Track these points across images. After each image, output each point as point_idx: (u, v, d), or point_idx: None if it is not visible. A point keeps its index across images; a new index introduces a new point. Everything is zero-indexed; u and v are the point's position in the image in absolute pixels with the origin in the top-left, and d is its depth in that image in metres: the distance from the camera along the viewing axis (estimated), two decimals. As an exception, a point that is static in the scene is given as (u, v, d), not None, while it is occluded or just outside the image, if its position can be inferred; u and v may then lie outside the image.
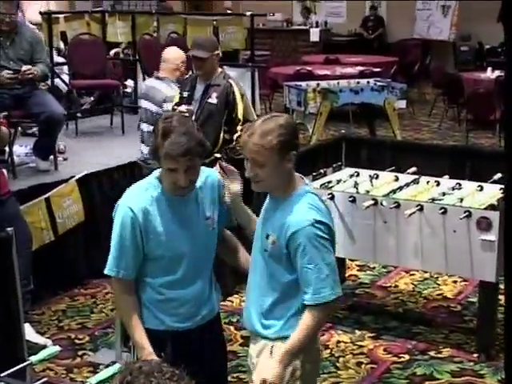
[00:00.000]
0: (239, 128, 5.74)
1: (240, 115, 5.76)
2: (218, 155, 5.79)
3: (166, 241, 3.19)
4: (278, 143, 2.97)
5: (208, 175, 3.34)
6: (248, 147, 3.01)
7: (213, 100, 5.76)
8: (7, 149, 6.43)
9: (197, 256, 3.25)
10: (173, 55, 6.33)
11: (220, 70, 5.88)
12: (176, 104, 5.95)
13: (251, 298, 3.21)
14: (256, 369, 3.12)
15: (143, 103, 6.33)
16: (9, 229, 4.30)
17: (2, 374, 3.13)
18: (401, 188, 5.50)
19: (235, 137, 5.73)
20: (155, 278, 3.24)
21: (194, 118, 5.77)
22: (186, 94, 5.89)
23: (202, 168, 3.27)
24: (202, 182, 3.28)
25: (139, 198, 3.18)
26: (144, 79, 9.37)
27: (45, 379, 4.10)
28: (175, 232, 3.20)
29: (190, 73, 6.54)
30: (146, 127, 6.15)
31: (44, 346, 3.94)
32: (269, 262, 3.09)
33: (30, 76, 6.48)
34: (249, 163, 3.04)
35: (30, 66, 6.49)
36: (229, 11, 14.29)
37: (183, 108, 5.77)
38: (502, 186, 5.05)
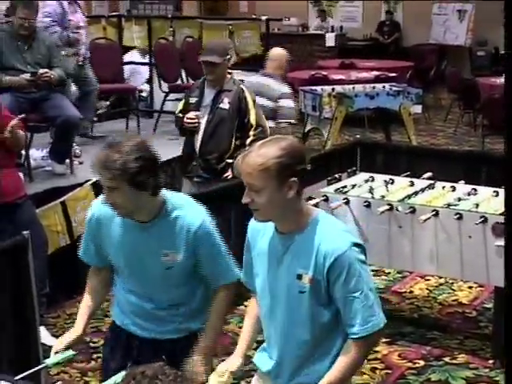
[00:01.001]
0: (252, 133, 5.75)
1: (253, 120, 5.76)
2: (230, 161, 5.80)
3: (112, 254, 3.27)
4: (274, 166, 2.67)
5: (184, 216, 3.15)
6: (241, 169, 2.73)
7: (225, 105, 5.76)
8: (23, 152, 6.46)
9: (147, 283, 3.26)
10: (278, 54, 6.82)
11: (229, 75, 5.89)
12: (182, 111, 5.95)
13: (281, 355, 2.92)
14: None
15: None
16: (25, 232, 4.32)
17: (17, 377, 3.15)
18: (416, 193, 5.49)
19: (248, 142, 5.73)
20: (117, 275, 3.38)
21: (204, 123, 5.79)
22: (193, 100, 5.88)
23: (186, 207, 3.18)
24: (168, 217, 3.15)
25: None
26: (160, 83, 9.40)
27: (59, 382, 4.13)
28: (117, 249, 3.24)
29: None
30: None
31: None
32: (308, 304, 2.79)
33: (47, 79, 6.52)
34: (246, 188, 2.77)
35: (46, 70, 6.53)
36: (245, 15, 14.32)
37: (191, 114, 5.78)
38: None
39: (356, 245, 2.76)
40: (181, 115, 5.93)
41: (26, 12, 6.49)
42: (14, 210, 5.21)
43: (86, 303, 3.41)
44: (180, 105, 6.05)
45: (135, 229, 3.17)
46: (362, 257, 2.77)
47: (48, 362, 3.27)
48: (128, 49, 10.58)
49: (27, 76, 6.47)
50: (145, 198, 3.07)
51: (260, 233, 2.92)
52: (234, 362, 3.05)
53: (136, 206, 3.08)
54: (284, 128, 6.75)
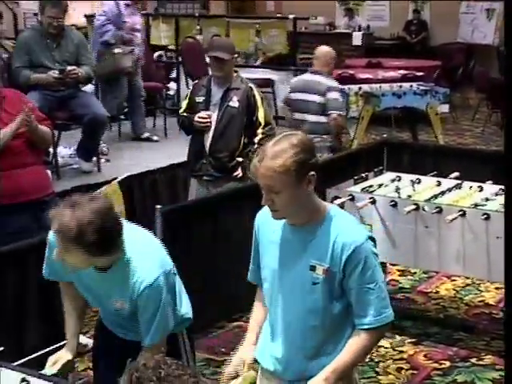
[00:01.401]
0: (260, 131, 5.77)
1: (261, 118, 5.78)
2: (240, 159, 5.82)
3: (79, 288, 3.33)
4: (293, 164, 2.65)
5: (140, 281, 3.07)
6: (260, 173, 2.68)
7: (234, 103, 5.78)
8: (51, 150, 6.51)
9: (106, 314, 3.37)
10: (325, 52, 7.28)
11: (235, 73, 5.90)
12: (186, 110, 5.92)
13: (289, 346, 2.89)
14: None
15: (301, 95, 7.21)
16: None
17: (43, 371, 3.18)
18: (443, 193, 5.46)
19: (256, 140, 5.76)
20: None
21: (214, 122, 5.80)
22: (200, 99, 5.88)
23: (142, 261, 3.11)
24: (124, 268, 3.11)
25: None
26: (187, 82, 9.43)
27: (86, 379, 4.17)
28: (83, 288, 3.30)
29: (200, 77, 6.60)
30: (311, 118, 7.09)
31: (86, 346, 3.97)
32: (320, 295, 2.79)
33: (74, 76, 6.57)
34: (263, 191, 2.73)
35: (74, 67, 6.58)
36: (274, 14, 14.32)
37: (203, 114, 5.79)
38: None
39: (370, 238, 2.81)
40: (185, 114, 5.94)
41: (54, 11, 6.54)
42: (42, 208, 5.25)
43: (73, 322, 3.44)
44: (183, 104, 6.05)
45: (95, 274, 3.15)
46: (375, 249, 2.82)
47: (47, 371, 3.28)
48: (155, 47, 10.63)
49: (55, 73, 6.52)
50: (98, 258, 3.04)
51: (268, 224, 2.90)
52: (247, 353, 3.00)
53: (89, 264, 3.08)
54: (335, 120, 7.05)
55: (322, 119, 7.10)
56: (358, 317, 2.80)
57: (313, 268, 2.77)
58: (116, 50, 7.77)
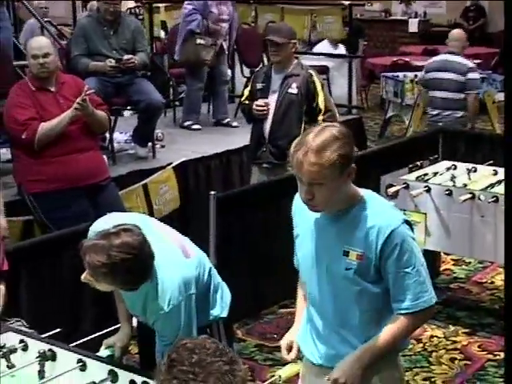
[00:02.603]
0: (321, 118, 5.74)
1: (321, 104, 5.74)
2: None
3: None
4: (338, 158, 2.61)
5: (160, 308, 3.11)
6: (304, 169, 2.64)
7: (293, 90, 5.75)
8: (107, 135, 6.58)
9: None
10: (459, 34, 8.09)
11: (296, 60, 5.88)
12: (247, 97, 5.94)
13: (326, 331, 2.87)
14: (338, 366, 2.78)
15: (439, 74, 7.90)
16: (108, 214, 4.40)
17: (98, 353, 3.23)
18: (500, 182, 5.38)
19: None
20: None
21: (273, 109, 5.80)
22: (260, 86, 5.87)
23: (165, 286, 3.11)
24: (145, 297, 3.14)
25: None
26: (241, 68, 9.44)
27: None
28: None
29: (261, 65, 6.61)
30: (449, 95, 7.81)
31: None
32: (354, 280, 2.75)
33: (131, 65, 6.63)
34: (303, 185, 2.70)
35: (131, 56, 6.64)
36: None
37: (261, 102, 5.79)
38: None
39: (406, 221, 2.76)
40: (247, 102, 5.95)
41: None
42: (98, 192, 5.33)
43: (125, 306, 3.44)
44: (245, 91, 6.05)
45: None
46: (412, 233, 2.77)
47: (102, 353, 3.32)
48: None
49: (111, 62, 6.58)
50: (126, 288, 3.11)
51: (303, 210, 2.86)
52: (295, 335, 3.02)
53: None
54: (474, 98, 7.83)
55: (459, 96, 7.78)
56: (395, 301, 2.76)
57: (346, 253, 2.74)
58: (198, 41, 7.80)
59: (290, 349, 2.97)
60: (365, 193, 2.82)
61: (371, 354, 2.77)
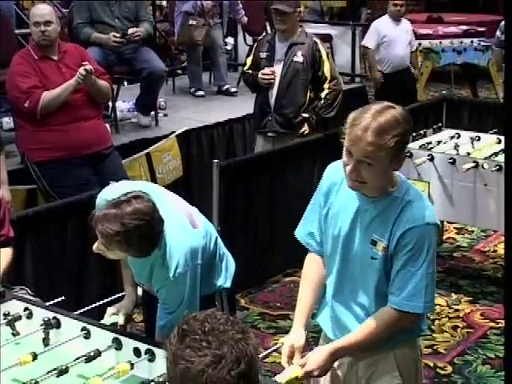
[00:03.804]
0: (326, 86, 5.72)
1: (327, 72, 5.73)
2: (306, 115, 5.78)
3: None
4: (396, 143, 2.53)
5: (165, 277, 3.11)
6: (361, 146, 2.52)
7: (299, 58, 5.73)
8: (110, 104, 6.56)
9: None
10: None
11: (300, 28, 5.84)
12: (251, 67, 5.91)
13: (343, 314, 2.83)
14: (313, 359, 2.71)
15: None
16: (111, 183, 4.40)
17: (102, 321, 3.25)
18: (503, 151, 5.37)
19: (323, 95, 5.72)
20: None
21: (278, 77, 5.77)
22: (264, 55, 5.84)
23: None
24: (153, 264, 3.14)
25: None
26: (244, 37, 9.40)
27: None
28: None
29: (264, 34, 6.55)
30: None
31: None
32: (377, 271, 2.69)
33: (137, 38, 6.57)
34: (352, 160, 2.57)
35: (135, 29, 6.56)
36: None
37: (267, 70, 5.76)
38: None
39: (434, 225, 2.66)
40: (250, 71, 5.92)
41: None
42: (101, 161, 5.33)
43: (130, 273, 3.44)
44: (248, 60, 6.01)
45: None
46: (435, 238, 2.67)
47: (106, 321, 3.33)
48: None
49: (116, 36, 6.48)
50: (138, 255, 3.10)
51: (336, 187, 2.80)
52: (298, 338, 2.81)
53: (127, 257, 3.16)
54: None
55: None
56: (390, 293, 2.69)
57: (374, 243, 2.68)
58: (190, 22, 7.80)
59: (291, 355, 2.79)
60: (402, 181, 2.72)
61: (348, 348, 2.73)
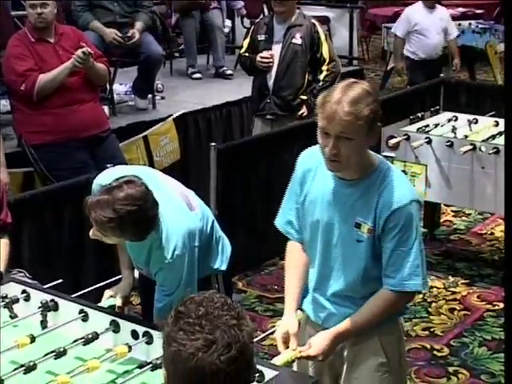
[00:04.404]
0: (325, 67, 5.71)
1: (326, 54, 5.71)
2: (305, 97, 5.77)
3: None
4: (371, 112, 2.54)
5: (162, 260, 3.12)
6: (337, 119, 2.52)
7: (297, 40, 5.71)
8: (108, 86, 6.54)
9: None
10: None
11: (298, 10, 5.83)
12: (248, 50, 5.88)
13: (328, 298, 2.83)
14: (316, 344, 2.74)
15: None
16: (109, 166, 4.40)
17: (100, 303, 3.25)
18: (501, 134, 5.37)
19: (321, 77, 5.71)
20: None
21: (277, 60, 5.76)
22: (262, 38, 5.82)
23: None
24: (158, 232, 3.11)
25: None
26: (242, 20, 9.38)
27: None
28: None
29: (261, 16, 6.52)
30: None
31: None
32: (364, 254, 2.71)
33: (134, 41, 6.49)
34: (331, 139, 2.56)
35: (134, 30, 6.50)
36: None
37: (266, 53, 5.74)
38: None
39: (417, 201, 2.69)
40: (247, 54, 5.90)
41: None
42: (98, 144, 5.32)
43: (127, 257, 3.43)
44: (245, 43, 5.98)
45: None
46: (419, 215, 2.69)
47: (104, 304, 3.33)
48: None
49: (117, 35, 6.43)
50: (133, 239, 3.10)
51: (311, 173, 2.80)
52: (291, 324, 2.80)
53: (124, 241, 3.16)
54: None
55: None
56: (385, 276, 2.70)
57: (358, 225, 2.68)
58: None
59: (285, 341, 2.78)
60: (381, 162, 2.73)
61: (349, 333, 2.75)
